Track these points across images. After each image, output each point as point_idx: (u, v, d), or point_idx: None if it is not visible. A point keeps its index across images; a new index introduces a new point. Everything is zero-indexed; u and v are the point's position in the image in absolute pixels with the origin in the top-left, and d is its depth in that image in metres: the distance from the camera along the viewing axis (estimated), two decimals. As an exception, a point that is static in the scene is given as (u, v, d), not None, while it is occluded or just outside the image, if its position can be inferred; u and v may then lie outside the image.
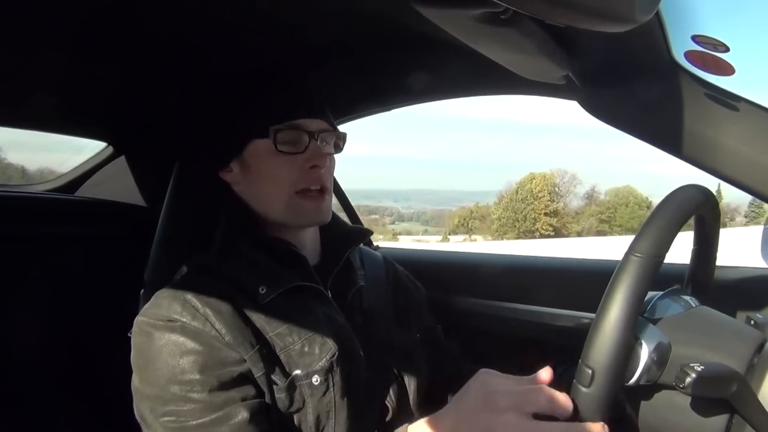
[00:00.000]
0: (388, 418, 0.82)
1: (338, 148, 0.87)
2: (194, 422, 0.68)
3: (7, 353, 1.18)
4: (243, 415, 0.69)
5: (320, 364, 0.75)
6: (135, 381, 0.73)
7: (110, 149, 1.46)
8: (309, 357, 0.75)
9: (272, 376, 0.73)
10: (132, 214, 1.43)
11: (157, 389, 0.70)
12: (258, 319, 0.75)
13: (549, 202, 35.98)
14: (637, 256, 0.54)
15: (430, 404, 0.90)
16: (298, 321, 0.77)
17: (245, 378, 0.72)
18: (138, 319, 0.75)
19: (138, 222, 1.38)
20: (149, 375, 0.71)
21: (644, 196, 38.71)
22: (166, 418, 0.69)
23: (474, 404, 0.55)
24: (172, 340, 0.71)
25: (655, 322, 0.62)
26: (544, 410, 0.53)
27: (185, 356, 0.70)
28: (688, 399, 0.58)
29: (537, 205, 36.20)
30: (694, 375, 0.53)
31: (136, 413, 0.74)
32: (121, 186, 1.45)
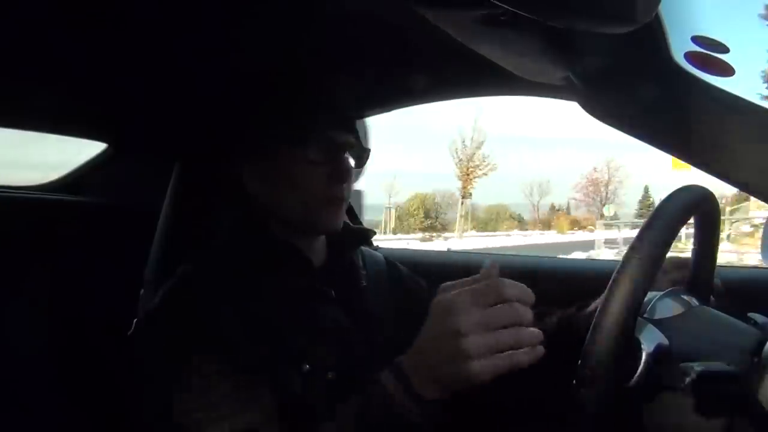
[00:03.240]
0: None
1: (360, 163, 0.87)
2: (220, 411, 0.67)
3: (7, 353, 1.18)
4: (269, 397, 0.69)
5: (327, 362, 0.75)
6: (144, 383, 0.72)
7: (111, 150, 1.46)
8: (315, 355, 0.75)
9: (281, 370, 0.73)
10: (132, 215, 1.42)
11: (174, 386, 0.69)
12: (263, 317, 0.75)
13: (423, 218, 41.05)
14: (637, 258, 0.54)
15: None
16: (303, 321, 0.77)
17: (258, 368, 0.72)
18: (141, 317, 0.76)
19: (138, 222, 1.38)
20: (162, 373, 0.71)
21: (514, 213, 43.89)
22: (188, 413, 0.67)
23: (439, 336, 0.58)
24: (181, 334, 0.71)
25: (654, 322, 0.62)
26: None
27: (197, 348, 0.70)
28: (689, 399, 0.58)
29: (412, 222, 40.58)
30: (694, 375, 0.53)
31: (146, 419, 0.72)
32: (121, 186, 1.45)
